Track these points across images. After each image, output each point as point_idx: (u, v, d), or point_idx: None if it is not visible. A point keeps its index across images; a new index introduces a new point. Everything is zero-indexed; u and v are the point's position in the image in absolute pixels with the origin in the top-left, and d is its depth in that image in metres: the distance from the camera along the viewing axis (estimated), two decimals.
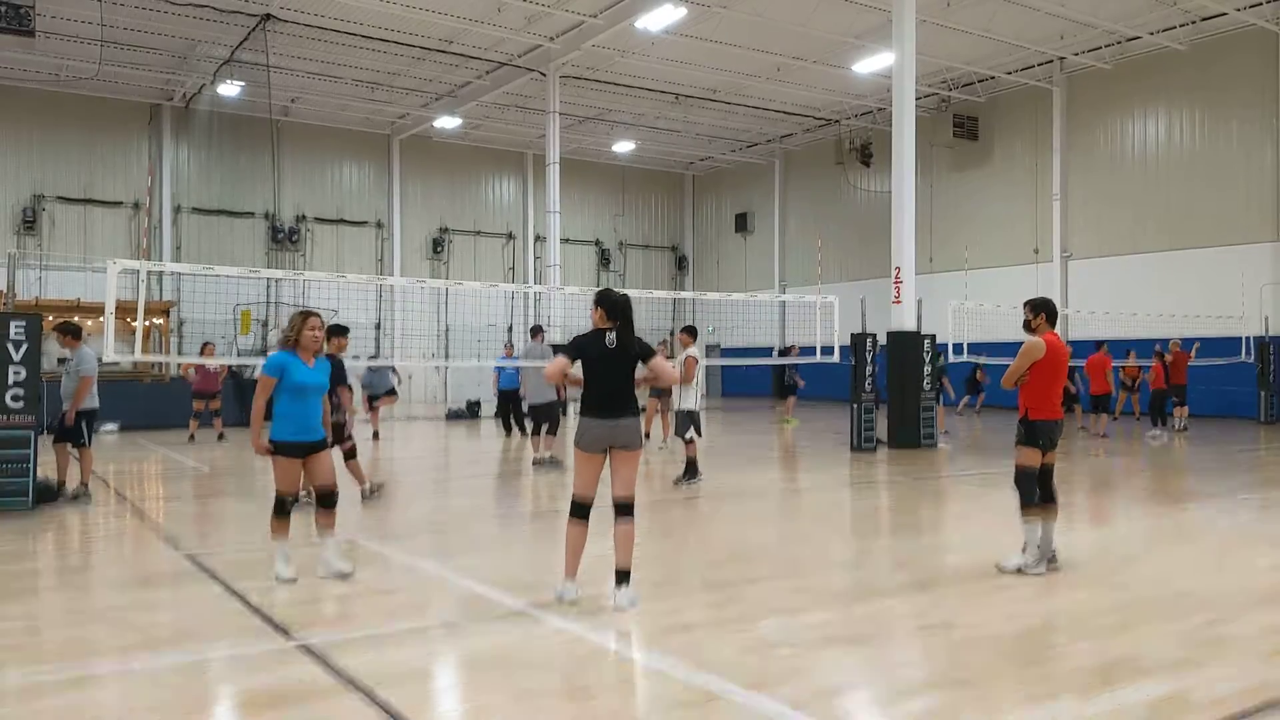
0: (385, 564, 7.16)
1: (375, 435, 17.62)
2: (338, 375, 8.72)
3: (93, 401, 10.05)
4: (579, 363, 5.94)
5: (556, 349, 11.16)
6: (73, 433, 9.89)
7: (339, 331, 9.72)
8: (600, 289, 6.26)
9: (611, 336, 5.82)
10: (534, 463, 12.98)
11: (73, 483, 9.99)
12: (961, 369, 18.50)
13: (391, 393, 18.49)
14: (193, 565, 7.04)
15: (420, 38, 22.83)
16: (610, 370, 5.84)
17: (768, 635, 5.18)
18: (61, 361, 10.85)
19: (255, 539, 8.18)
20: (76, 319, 11.32)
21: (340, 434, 9.34)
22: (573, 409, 18.72)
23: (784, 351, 25.69)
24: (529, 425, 13.54)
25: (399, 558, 7.36)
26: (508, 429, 18.45)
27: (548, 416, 13.23)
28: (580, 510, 5.86)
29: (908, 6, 16.39)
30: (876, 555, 7.58)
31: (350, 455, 9.96)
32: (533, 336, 14.97)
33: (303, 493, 7.66)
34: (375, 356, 18.57)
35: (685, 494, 10.81)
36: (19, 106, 25.78)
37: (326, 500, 6.57)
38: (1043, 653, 4.92)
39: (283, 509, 6.44)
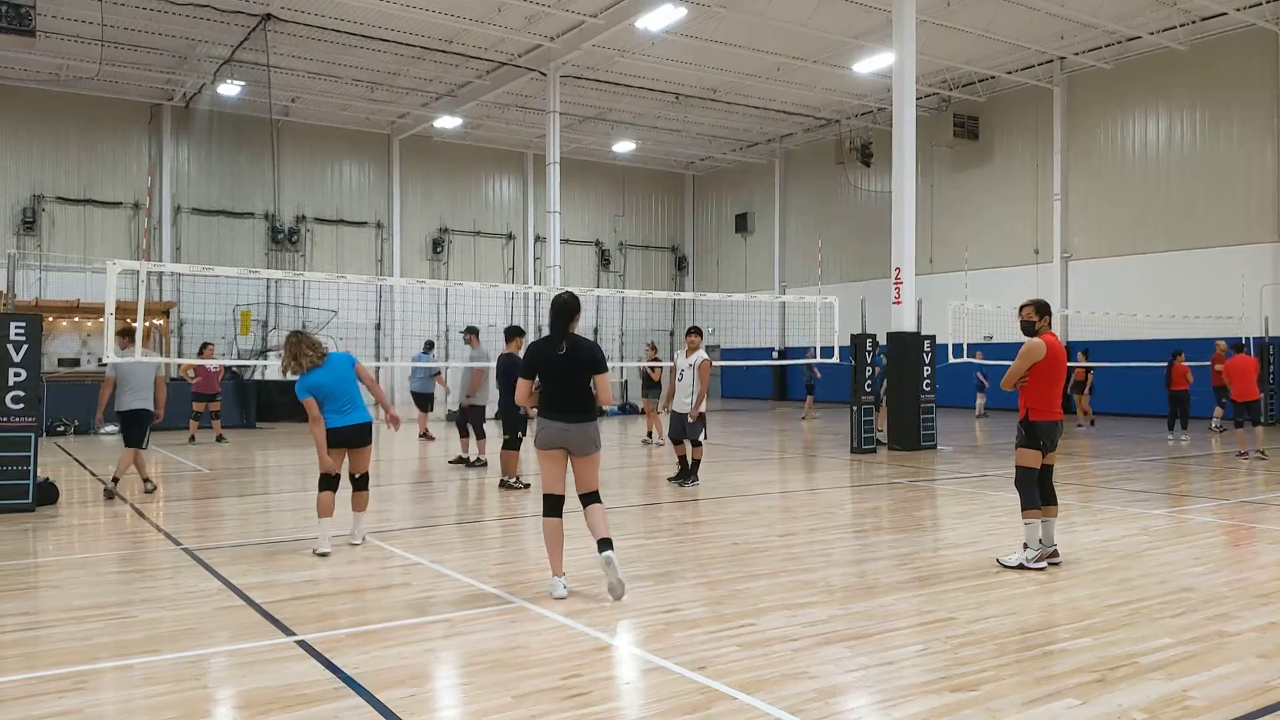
0: (385, 562, 7.16)
1: (425, 435, 17.83)
2: None
3: (129, 402, 10.32)
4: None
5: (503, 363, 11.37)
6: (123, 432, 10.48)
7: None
8: (556, 293, 6.41)
9: (562, 343, 6.02)
10: (454, 460, 13.58)
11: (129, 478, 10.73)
12: (964, 370, 18.49)
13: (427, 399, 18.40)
14: (193, 563, 7.05)
15: (420, 37, 22.83)
16: (559, 376, 6.05)
17: (768, 633, 5.19)
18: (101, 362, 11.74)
19: (254, 536, 8.19)
20: (118, 321, 11.71)
21: None
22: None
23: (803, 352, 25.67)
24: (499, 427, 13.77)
25: (399, 555, 7.36)
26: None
27: (478, 419, 13.56)
28: (551, 506, 6.11)
29: (908, 6, 16.39)
30: (876, 553, 7.58)
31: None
32: (470, 339, 14.87)
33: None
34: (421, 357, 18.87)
35: (686, 494, 10.82)
36: (19, 106, 25.78)
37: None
38: (1043, 651, 4.92)
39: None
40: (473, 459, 13.47)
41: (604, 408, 6.21)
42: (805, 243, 32.46)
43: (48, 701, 4.20)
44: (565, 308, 6.09)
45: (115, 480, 10.35)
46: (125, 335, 10.61)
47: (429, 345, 19.00)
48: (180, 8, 20.40)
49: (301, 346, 7.45)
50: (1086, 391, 20.72)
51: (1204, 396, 18.97)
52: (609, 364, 6.31)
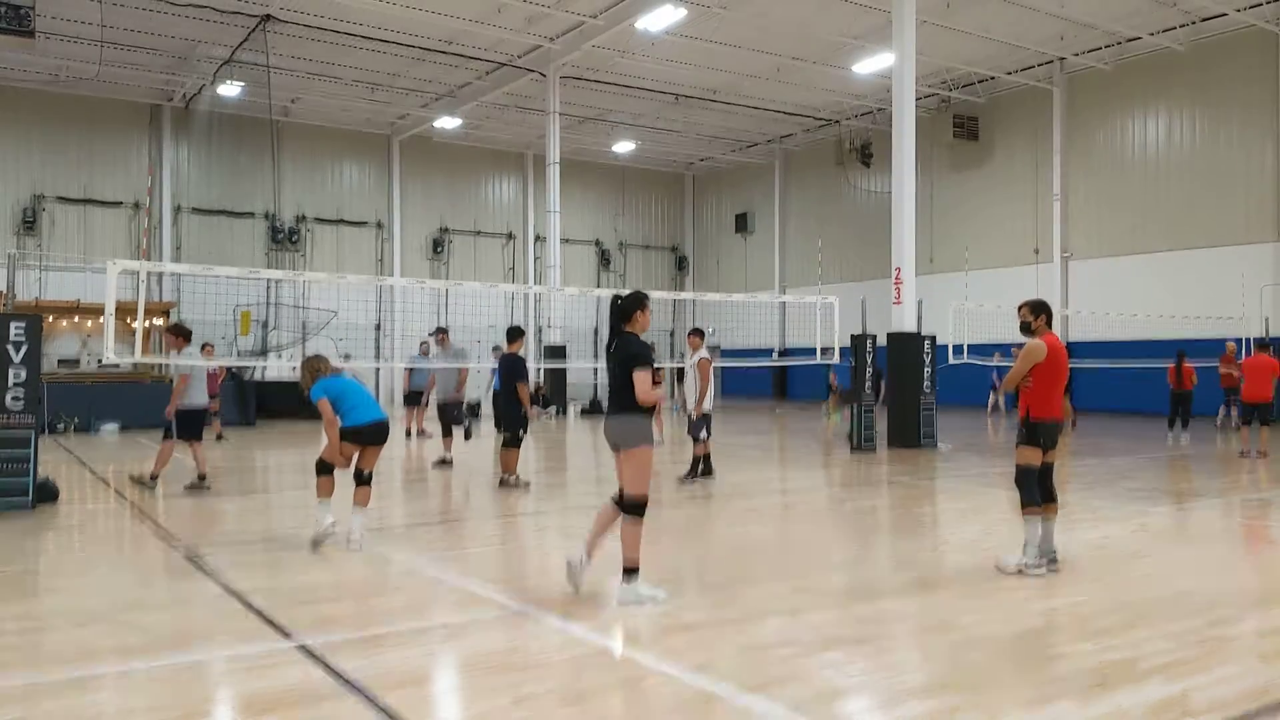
0: (385, 564, 7.15)
1: (422, 432, 17.86)
2: None
3: (195, 399, 10.84)
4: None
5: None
6: (177, 428, 10.77)
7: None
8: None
9: (613, 340, 6.16)
10: (439, 462, 13.28)
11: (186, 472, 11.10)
12: (966, 369, 18.50)
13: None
14: (192, 565, 7.04)
15: (420, 38, 22.83)
16: (609, 370, 6.16)
17: (768, 636, 5.18)
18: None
19: (254, 537, 8.19)
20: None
21: None
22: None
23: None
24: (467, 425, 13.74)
25: (399, 558, 7.36)
26: (498, 428, 19.02)
27: (453, 416, 13.47)
28: (614, 496, 6.12)
29: (908, 7, 16.39)
30: (876, 555, 7.58)
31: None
32: (442, 339, 14.75)
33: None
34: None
35: (688, 492, 10.82)
36: (19, 106, 25.78)
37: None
38: (1043, 654, 4.91)
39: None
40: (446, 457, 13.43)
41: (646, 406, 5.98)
42: (805, 243, 32.46)
43: (48, 703, 4.20)
44: (613, 308, 6.20)
45: (202, 476, 10.88)
46: (184, 335, 11.05)
47: (424, 345, 19.07)
48: (180, 8, 20.40)
49: (317, 363, 7.95)
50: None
51: (1207, 397, 18.98)
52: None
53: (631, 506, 5.90)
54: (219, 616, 5.67)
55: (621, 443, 5.98)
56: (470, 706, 4.27)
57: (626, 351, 6.03)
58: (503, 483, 11.14)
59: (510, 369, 11.30)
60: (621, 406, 6.01)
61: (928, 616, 5.62)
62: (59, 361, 21.40)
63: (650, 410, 6.02)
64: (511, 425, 11.21)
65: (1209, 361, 19.26)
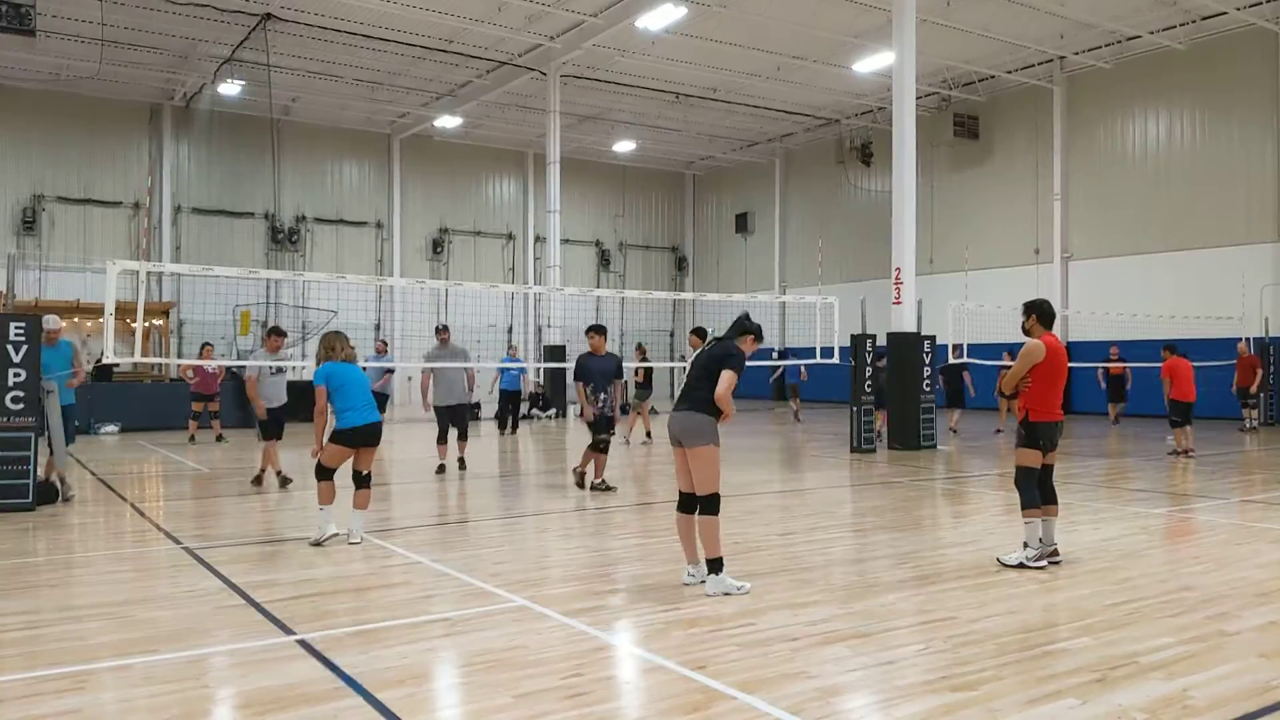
0: (385, 560, 7.16)
1: None
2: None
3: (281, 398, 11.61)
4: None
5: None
6: (279, 429, 11.44)
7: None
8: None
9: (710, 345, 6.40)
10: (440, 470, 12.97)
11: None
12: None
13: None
14: (193, 562, 7.05)
15: (421, 37, 22.82)
16: (695, 364, 6.33)
17: (768, 632, 5.19)
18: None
19: (254, 535, 8.19)
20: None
21: None
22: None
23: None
24: (464, 428, 13.23)
25: (400, 553, 7.36)
26: (502, 428, 19.35)
27: (459, 419, 13.12)
28: (679, 501, 6.27)
29: (908, 6, 16.39)
30: (876, 552, 7.58)
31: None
32: (441, 336, 13.83)
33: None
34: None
35: None
36: (19, 106, 25.76)
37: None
38: (1043, 650, 4.91)
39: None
40: (457, 459, 13.13)
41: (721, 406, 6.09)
42: (805, 243, 32.45)
43: (48, 701, 4.20)
44: (738, 321, 6.45)
45: (279, 472, 11.36)
46: (283, 334, 11.69)
47: (379, 344, 19.41)
48: (180, 8, 20.39)
49: (335, 340, 7.98)
50: (1123, 396, 20.89)
51: (1213, 397, 19.10)
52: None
53: (707, 504, 6.03)
54: (219, 612, 5.68)
55: (686, 438, 6.08)
56: (469, 702, 4.27)
57: (726, 351, 6.19)
58: (592, 486, 10.85)
59: (582, 369, 10.99)
60: (693, 402, 6.11)
61: (928, 612, 5.62)
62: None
63: (718, 413, 6.11)
64: (594, 428, 10.82)
65: (1211, 361, 19.36)
